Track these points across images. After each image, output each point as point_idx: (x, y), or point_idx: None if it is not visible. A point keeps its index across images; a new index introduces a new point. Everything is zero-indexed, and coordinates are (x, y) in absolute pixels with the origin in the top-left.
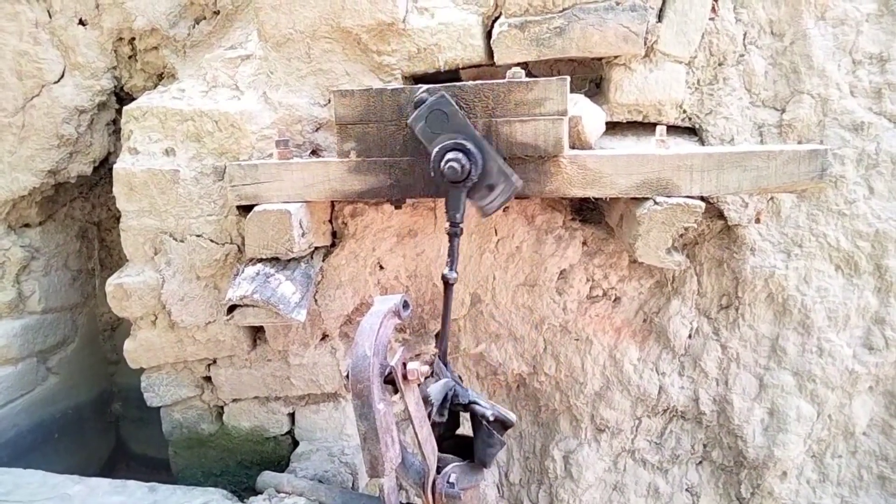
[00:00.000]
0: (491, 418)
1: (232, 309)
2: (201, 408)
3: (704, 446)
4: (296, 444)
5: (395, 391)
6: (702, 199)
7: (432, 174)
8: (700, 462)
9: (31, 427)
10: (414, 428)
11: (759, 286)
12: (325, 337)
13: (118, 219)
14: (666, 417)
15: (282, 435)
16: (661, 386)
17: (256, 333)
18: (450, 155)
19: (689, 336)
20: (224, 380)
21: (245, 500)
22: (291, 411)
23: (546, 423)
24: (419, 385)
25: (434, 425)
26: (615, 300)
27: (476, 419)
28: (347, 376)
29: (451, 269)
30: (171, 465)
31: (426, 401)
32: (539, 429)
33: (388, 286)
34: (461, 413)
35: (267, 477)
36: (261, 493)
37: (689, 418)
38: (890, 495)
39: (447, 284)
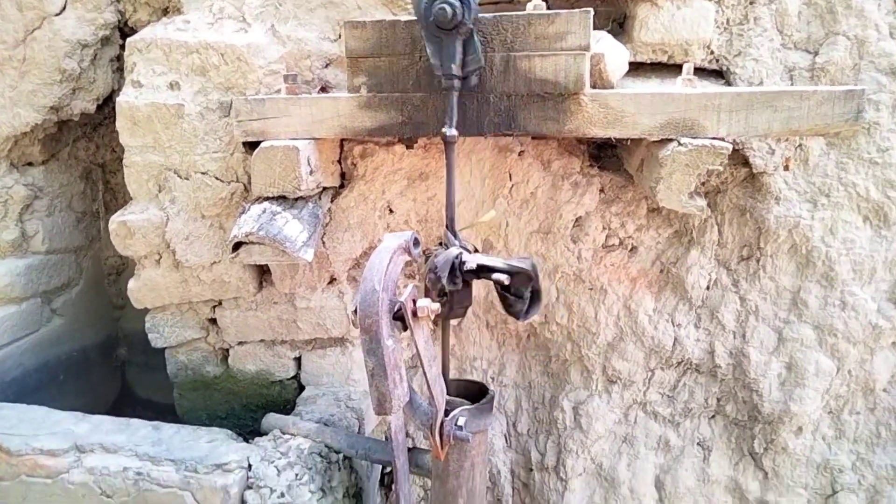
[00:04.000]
0: (506, 282)
1: (237, 247)
2: (206, 350)
3: (718, 400)
4: (301, 388)
5: (404, 328)
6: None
7: (423, 24)
8: (713, 416)
9: (37, 367)
10: (423, 367)
11: (782, 237)
12: (332, 280)
13: (123, 161)
14: (680, 370)
15: (288, 379)
16: (676, 338)
17: (262, 276)
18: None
19: (707, 287)
20: (229, 322)
21: (250, 441)
22: (298, 355)
23: (556, 374)
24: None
25: (449, 294)
26: (631, 249)
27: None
28: (355, 311)
29: (450, 126)
30: (176, 407)
31: (433, 272)
32: (549, 379)
33: (397, 230)
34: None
35: (272, 419)
36: (266, 434)
37: (703, 371)
38: None
39: (447, 143)
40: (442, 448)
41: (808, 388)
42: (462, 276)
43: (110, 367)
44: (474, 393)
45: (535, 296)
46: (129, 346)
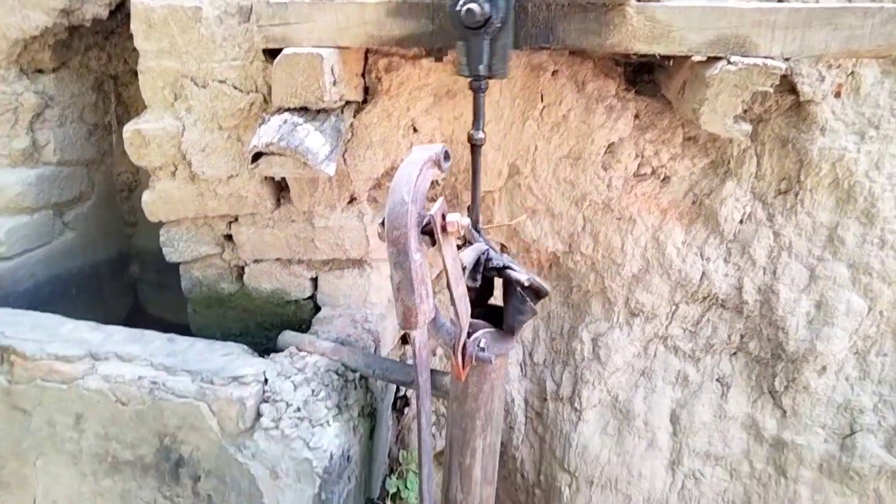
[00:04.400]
0: (526, 283)
1: (257, 157)
2: (221, 266)
3: (741, 337)
4: (317, 309)
5: (433, 244)
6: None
7: (452, 21)
8: (734, 353)
9: (49, 279)
10: (449, 284)
11: (824, 170)
12: (352, 200)
13: (136, 73)
14: (704, 305)
15: (304, 299)
16: (703, 272)
17: (280, 192)
18: None
19: (741, 221)
20: (245, 239)
21: (265, 357)
22: (314, 276)
23: (577, 305)
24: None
25: (468, 290)
26: (664, 179)
27: (509, 285)
28: (383, 224)
29: (477, 129)
30: (190, 322)
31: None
32: (569, 310)
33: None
34: (494, 280)
35: (289, 336)
36: (282, 351)
37: (728, 307)
38: None
39: (474, 147)
40: (463, 368)
41: (836, 328)
42: (484, 272)
43: (122, 284)
44: (496, 317)
45: (533, 311)
46: (141, 263)
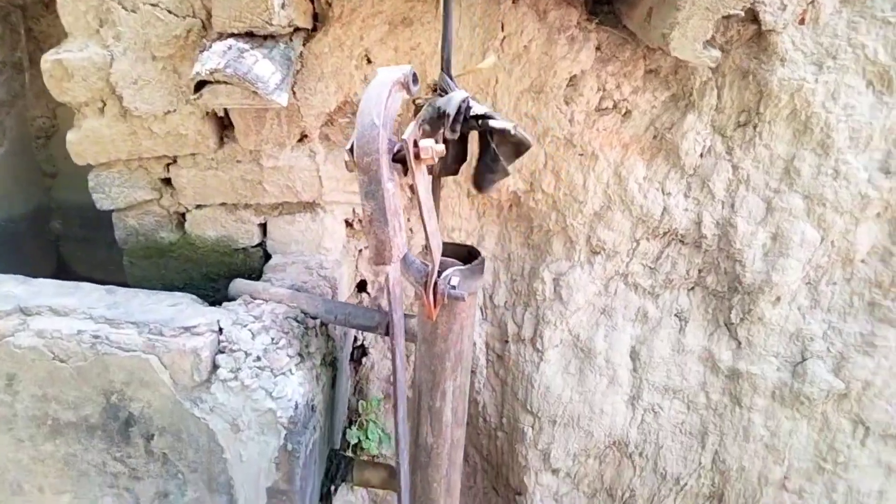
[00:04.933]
0: (513, 130)
1: (200, 87)
2: (160, 214)
3: (699, 272)
4: (267, 257)
5: (405, 172)
6: None
7: None
8: (692, 288)
9: None
10: (422, 218)
11: (783, 101)
12: (303, 137)
13: (47, 4)
14: (664, 241)
15: (252, 247)
16: (665, 207)
17: (223, 130)
18: None
19: (701, 155)
20: (186, 182)
21: (217, 307)
22: (263, 221)
23: (537, 245)
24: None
25: (445, 143)
26: (625, 113)
27: (483, 139)
28: (352, 150)
29: None
30: (127, 276)
31: (440, 112)
32: (529, 251)
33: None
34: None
35: (241, 284)
36: (234, 300)
37: (687, 242)
38: (877, 320)
39: None
40: (434, 307)
41: (791, 259)
42: (465, 121)
43: (43, 241)
44: (463, 256)
45: (505, 172)
46: (63, 218)
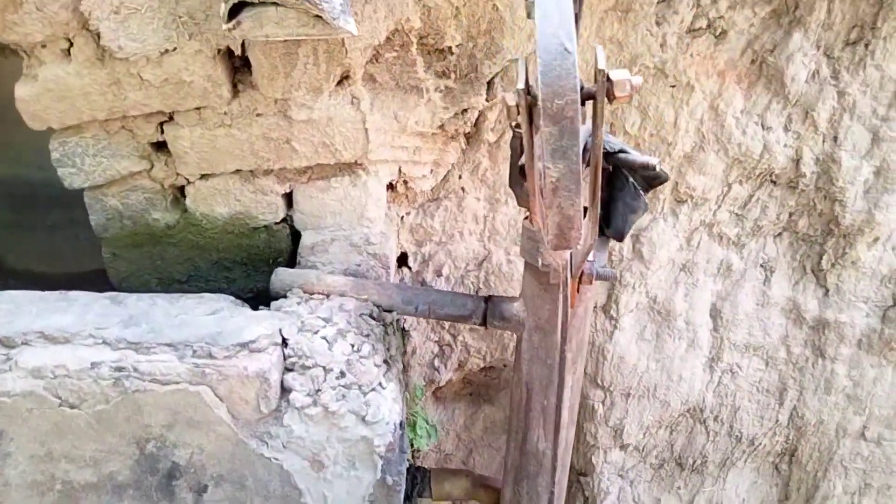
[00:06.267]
0: (656, 165)
1: (236, 12)
2: (151, 189)
3: (790, 215)
4: (295, 235)
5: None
6: None
7: None
8: (779, 234)
9: None
10: (593, 179)
11: None
12: (344, 79)
13: None
14: (756, 183)
15: (276, 223)
16: (765, 144)
17: (237, 75)
18: None
19: (805, 81)
20: (188, 146)
21: (260, 308)
22: (288, 190)
23: None
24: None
25: None
26: (720, 34)
27: (618, 176)
28: (527, 91)
29: None
30: (110, 272)
31: None
32: None
33: (430, 4)
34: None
35: (285, 275)
36: (279, 296)
37: (781, 183)
38: None
39: None
40: (579, 291)
41: (895, 195)
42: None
43: None
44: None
45: (646, 207)
46: None
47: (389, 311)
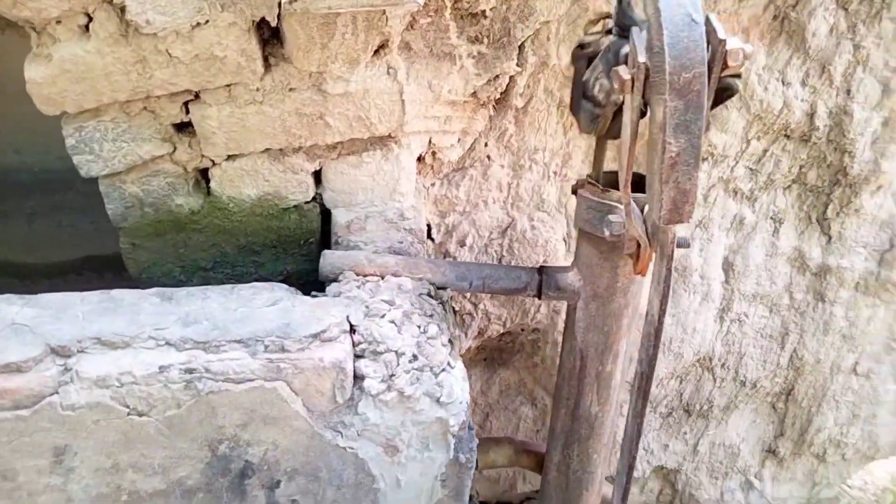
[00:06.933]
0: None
1: None
2: (174, 173)
3: (801, 167)
4: (325, 213)
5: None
6: None
7: None
8: (788, 186)
9: None
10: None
11: None
12: (380, 49)
13: None
14: (772, 138)
15: (307, 202)
16: (785, 100)
17: (265, 48)
18: None
19: (825, 35)
20: (216, 126)
21: (316, 295)
22: (318, 168)
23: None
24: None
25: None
26: None
27: None
28: (644, 65)
29: None
30: (128, 263)
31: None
32: None
33: None
34: None
35: (334, 258)
36: (330, 280)
37: (794, 137)
38: None
39: None
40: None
41: None
42: None
43: None
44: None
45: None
46: None
47: (443, 289)
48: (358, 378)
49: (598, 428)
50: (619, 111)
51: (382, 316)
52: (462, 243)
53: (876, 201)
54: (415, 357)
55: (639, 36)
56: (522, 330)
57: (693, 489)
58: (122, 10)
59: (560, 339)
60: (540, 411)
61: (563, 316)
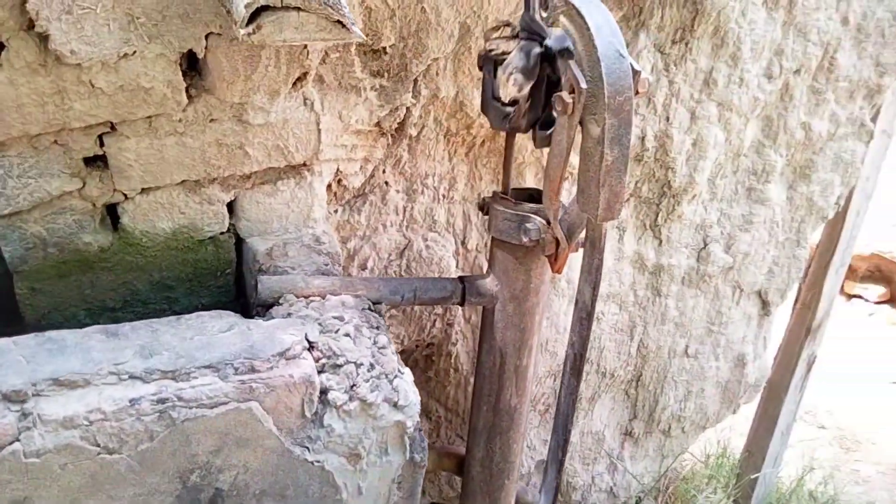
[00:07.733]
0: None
1: (256, 15)
2: (82, 210)
3: (636, 183)
4: (240, 243)
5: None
6: None
7: None
8: (627, 199)
9: None
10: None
11: (711, 18)
12: (297, 81)
13: None
14: None
15: (222, 233)
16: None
17: (186, 79)
18: None
19: (650, 73)
20: (133, 158)
21: (263, 317)
22: (233, 198)
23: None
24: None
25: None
26: None
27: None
28: (572, 91)
29: None
30: (25, 310)
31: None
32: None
33: (371, 6)
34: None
35: (272, 283)
36: (267, 304)
37: (631, 158)
38: (753, 202)
39: None
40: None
41: (707, 161)
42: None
43: None
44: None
45: None
46: None
47: (378, 303)
48: (322, 392)
49: (518, 419)
50: (529, 109)
51: (337, 331)
52: (364, 266)
53: (692, 208)
54: (372, 366)
55: (575, 66)
56: (417, 346)
57: (570, 477)
58: (44, 38)
59: (453, 349)
60: (434, 423)
61: (456, 328)
